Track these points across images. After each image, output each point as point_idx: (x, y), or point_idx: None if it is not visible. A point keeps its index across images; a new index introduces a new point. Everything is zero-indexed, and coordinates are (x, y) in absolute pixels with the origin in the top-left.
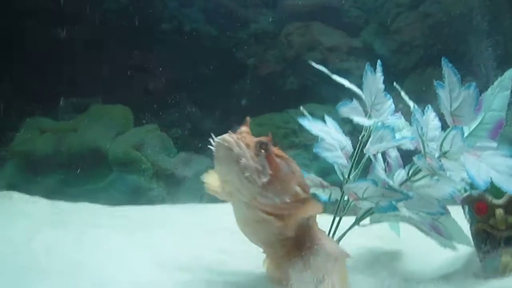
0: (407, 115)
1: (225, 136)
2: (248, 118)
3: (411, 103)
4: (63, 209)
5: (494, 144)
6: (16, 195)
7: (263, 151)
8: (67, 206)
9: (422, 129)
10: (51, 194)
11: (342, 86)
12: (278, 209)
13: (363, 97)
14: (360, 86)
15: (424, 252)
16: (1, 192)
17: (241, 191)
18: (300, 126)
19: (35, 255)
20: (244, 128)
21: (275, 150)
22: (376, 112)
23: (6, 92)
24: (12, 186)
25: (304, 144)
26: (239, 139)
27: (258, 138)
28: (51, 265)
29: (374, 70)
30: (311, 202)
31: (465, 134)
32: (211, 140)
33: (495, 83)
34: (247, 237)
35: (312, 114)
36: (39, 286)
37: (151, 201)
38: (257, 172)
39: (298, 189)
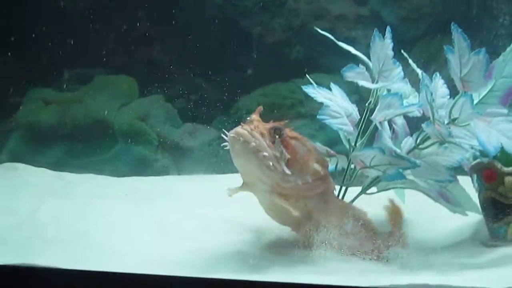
0: (415, 83)
1: (238, 130)
2: (260, 107)
3: (419, 70)
4: (69, 180)
5: (505, 110)
6: (21, 166)
7: (277, 136)
8: (72, 177)
9: (431, 94)
10: (56, 165)
11: (350, 55)
12: (302, 190)
13: (370, 65)
14: (367, 55)
15: (431, 220)
16: (6, 163)
17: (262, 180)
18: (307, 96)
19: (40, 226)
20: (254, 117)
21: (289, 132)
22: (384, 79)
23: (9, 62)
24: (16, 158)
25: (310, 114)
26: (252, 130)
27: (271, 124)
28: (56, 235)
29: (383, 37)
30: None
31: (475, 102)
32: (224, 136)
33: (507, 50)
34: (273, 219)
35: (318, 84)
36: (44, 256)
37: (156, 172)
38: (276, 159)
39: (316, 166)
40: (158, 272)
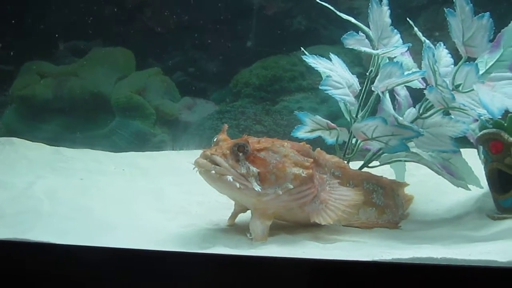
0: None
1: (198, 160)
2: (225, 125)
3: (422, 38)
4: (65, 155)
5: (509, 74)
6: (17, 141)
7: (241, 154)
8: (69, 152)
9: (434, 55)
10: (53, 140)
11: (352, 27)
12: (288, 201)
13: (371, 33)
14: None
15: (435, 194)
16: (2, 138)
17: (243, 200)
18: (308, 69)
19: (37, 200)
20: (221, 137)
21: (256, 144)
22: (383, 46)
23: (4, 35)
24: (12, 132)
25: (312, 87)
26: (213, 154)
27: (233, 142)
28: (53, 209)
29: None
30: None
31: (481, 72)
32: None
33: None
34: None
35: (321, 56)
36: (41, 230)
37: (155, 147)
38: (244, 177)
39: (295, 170)
40: (154, 247)
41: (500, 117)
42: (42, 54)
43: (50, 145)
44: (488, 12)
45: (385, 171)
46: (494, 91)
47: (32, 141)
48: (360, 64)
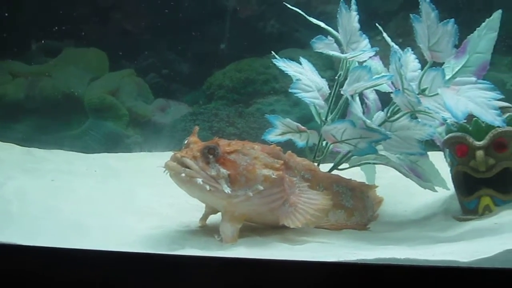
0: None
1: (168, 162)
2: (196, 127)
3: (391, 42)
4: (37, 156)
5: (473, 79)
6: None
7: (211, 156)
8: (41, 153)
9: (399, 59)
10: (24, 140)
11: (324, 30)
12: (259, 204)
13: (340, 37)
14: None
15: (404, 195)
16: None
17: (213, 203)
18: (281, 72)
19: (6, 201)
20: (192, 139)
21: (226, 147)
22: (352, 51)
23: None
24: None
25: (285, 90)
26: (183, 156)
27: (203, 144)
28: (23, 210)
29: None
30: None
31: (447, 77)
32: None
33: (482, 25)
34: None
35: (293, 59)
36: (10, 231)
37: (127, 149)
38: (214, 179)
39: (265, 171)
40: (124, 249)
41: (465, 121)
42: (14, 54)
43: (21, 146)
44: (453, 19)
45: (355, 174)
46: (458, 95)
47: (3, 142)
48: (332, 67)
